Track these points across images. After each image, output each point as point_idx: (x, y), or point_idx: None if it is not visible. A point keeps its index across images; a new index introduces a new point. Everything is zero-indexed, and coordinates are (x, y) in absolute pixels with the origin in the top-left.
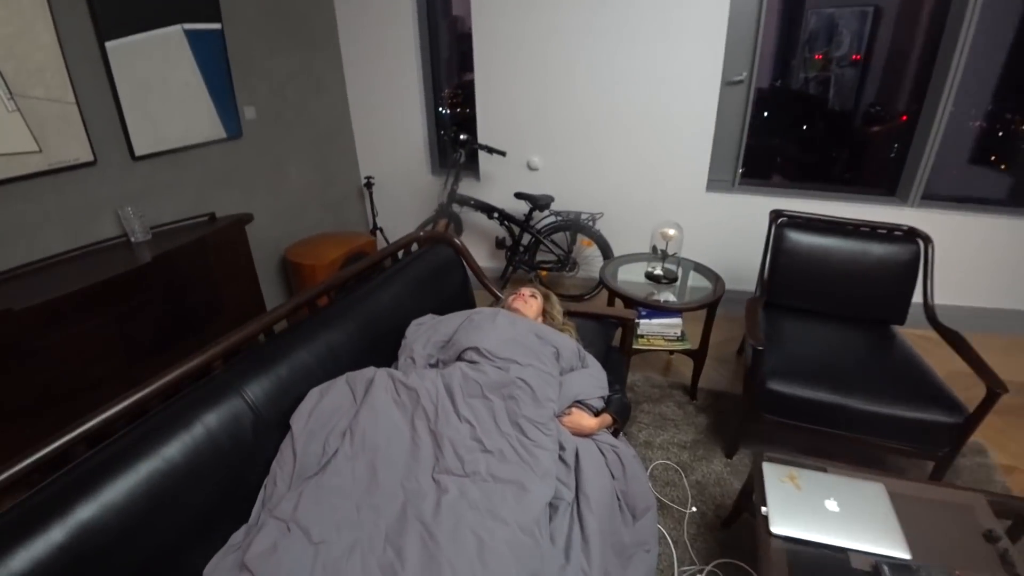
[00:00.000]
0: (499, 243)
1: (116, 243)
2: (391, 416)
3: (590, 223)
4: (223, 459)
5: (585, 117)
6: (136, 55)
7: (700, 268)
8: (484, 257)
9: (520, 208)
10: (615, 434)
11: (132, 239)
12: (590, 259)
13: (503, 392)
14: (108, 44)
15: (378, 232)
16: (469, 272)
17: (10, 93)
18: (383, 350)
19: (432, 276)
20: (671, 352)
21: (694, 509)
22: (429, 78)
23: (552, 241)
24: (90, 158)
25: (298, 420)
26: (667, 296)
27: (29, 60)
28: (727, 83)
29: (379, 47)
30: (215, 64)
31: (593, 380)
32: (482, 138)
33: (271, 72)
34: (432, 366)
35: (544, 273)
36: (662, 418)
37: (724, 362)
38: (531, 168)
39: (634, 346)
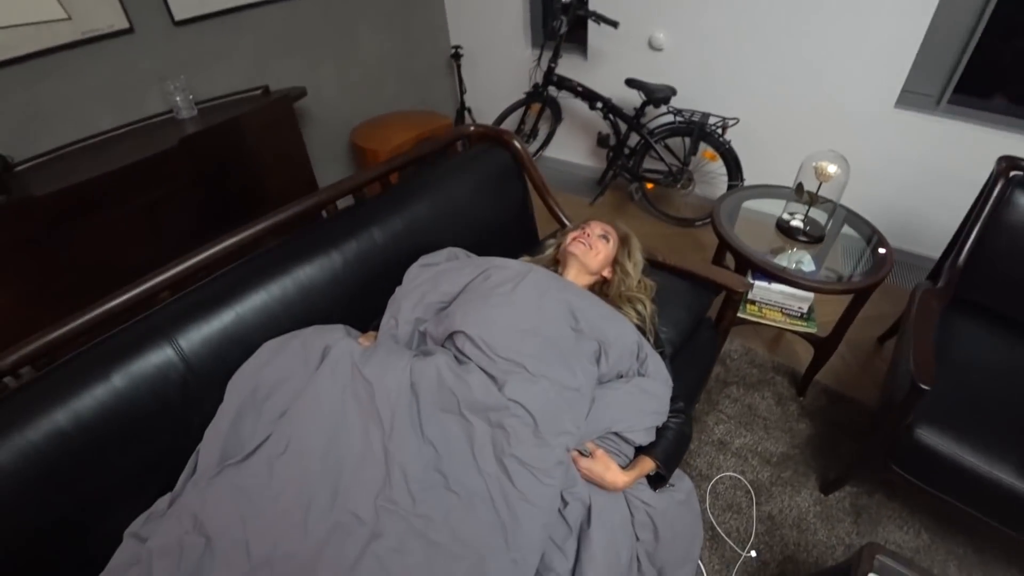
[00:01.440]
0: (601, 140)
1: (162, 120)
2: (338, 413)
3: (718, 130)
4: (147, 421)
5: None
6: None
7: (859, 223)
8: (582, 154)
9: (631, 99)
10: (656, 482)
11: (176, 116)
12: (711, 176)
13: (489, 417)
14: None
15: (466, 113)
16: (531, 188)
17: None
18: (387, 290)
19: (478, 189)
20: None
21: (753, 554)
22: None
23: (665, 146)
24: (125, 25)
25: (235, 385)
26: (801, 262)
27: None
28: None
29: None
30: None
31: (647, 401)
32: (594, 2)
33: None
34: (422, 338)
35: (650, 186)
36: (751, 412)
37: (856, 347)
38: (653, 47)
39: (739, 314)
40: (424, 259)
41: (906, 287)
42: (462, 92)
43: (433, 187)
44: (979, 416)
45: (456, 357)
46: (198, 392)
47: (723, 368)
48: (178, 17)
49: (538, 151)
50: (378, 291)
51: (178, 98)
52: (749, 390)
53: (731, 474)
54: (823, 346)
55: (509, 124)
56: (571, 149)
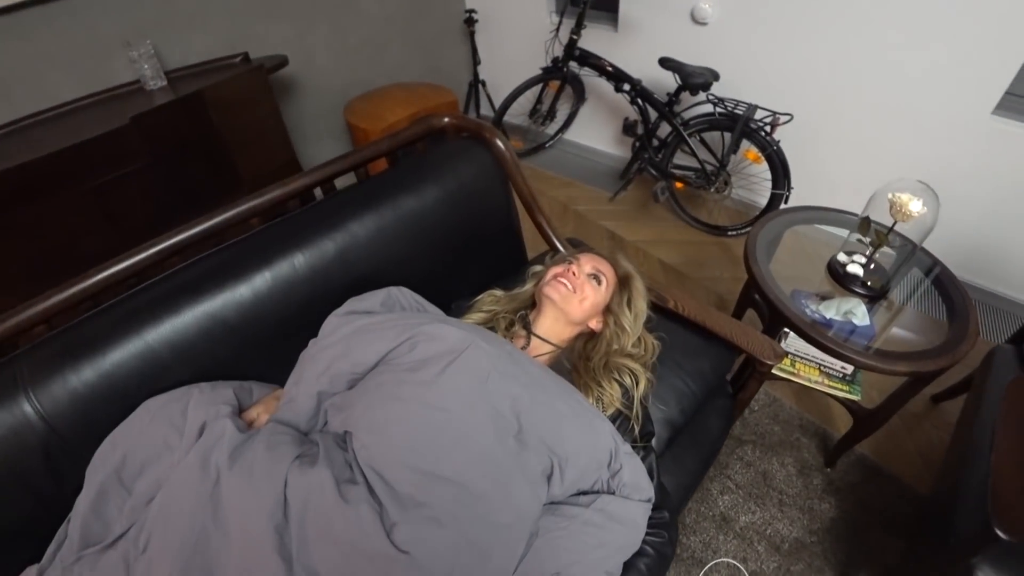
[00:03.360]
0: (627, 127)
1: (131, 91)
2: (205, 516)
3: (766, 127)
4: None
5: None
6: None
7: (934, 268)
8: (607, 140)
9: (666, 82)
10: None
11: (144, 86)
12: (752, 181)
13: (375, 565)
14: None
15: (479, 87)
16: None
17: None
18: (309, 335)
19: (447, 199)
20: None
21: None
22: None
23: (701, 141)
24: None
25: (101, 454)
26: (852, 314)
27: None
28: None
29: None
30: None
31: (613, 533)
32: None
33: None
34: (325, 416)
35: (680, 185)
36: (765, 482)
37: (904, 409)
38: (696, 21)
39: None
40: (351, 303)
41: (982, 336)
42: (476, 63)
43: (382, 197)
44: None
45: (350, 465)
46: (65, 459)
47: (739, 422)
48: None
49: (557, 134)
50: (296, 335)
51: (145, 66)
52: (767, 453)
53: (730, 561)
54: (867, 419)
55: (523, 102)
56: (594, 134)
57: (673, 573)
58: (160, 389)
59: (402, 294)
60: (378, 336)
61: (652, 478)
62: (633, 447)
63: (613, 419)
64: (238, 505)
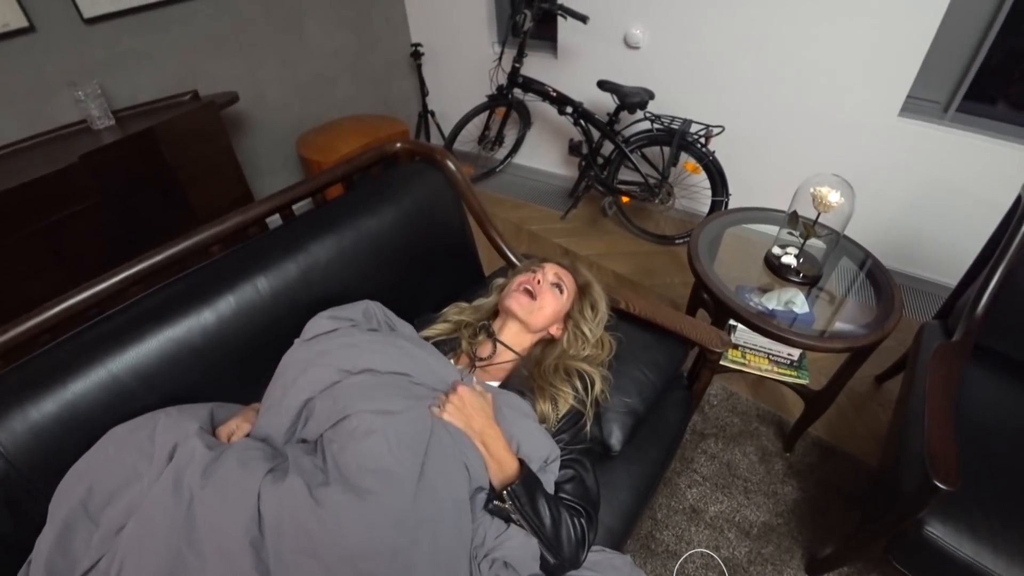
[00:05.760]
0: (572, 148)
1: (76, 131)
2: (180, 539)
3: (701, 139)
4: None
5: None
6: None
7: (860, 255)
8: (555, 162)
9: (605, 103)
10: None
11: (91, 126)
12: (693, 191)
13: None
14: None
15: (429, 117)
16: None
17: None
18: (274, 356)
19: (403, 219)
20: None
21: None
22: None
23: (642, 156)
24: (24, 23)
25: (65, 486)
26: (793, 303)
27: None
28: None
29: None
30: None
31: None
32: None
33: None
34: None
35: (626, 199)
36: (730, 472)
37: (851, 389)
38: (629, 45)
39: (721, 362)
40: (334, 311)
41: (909, 317)
42: (424, 95)
43: (342, 219)
44: (1007, 507)
45: (320, 469)
46: (25, 496)
47: (700, 418)
48: (87, 14)
49: (506, 158)
50: (261, 358)
51: (92, 106)
52: (729, 444)
53: (703, 550)
54: (815, 401)
55: (472, 129)
56: (543, 156)
57: (649, 568)
58: (125, 417)
59: (377, 308)
60: (359, 350)
61: (588, 493)
62: (567, 453)
63: (570, 419)
64: (213, 523)
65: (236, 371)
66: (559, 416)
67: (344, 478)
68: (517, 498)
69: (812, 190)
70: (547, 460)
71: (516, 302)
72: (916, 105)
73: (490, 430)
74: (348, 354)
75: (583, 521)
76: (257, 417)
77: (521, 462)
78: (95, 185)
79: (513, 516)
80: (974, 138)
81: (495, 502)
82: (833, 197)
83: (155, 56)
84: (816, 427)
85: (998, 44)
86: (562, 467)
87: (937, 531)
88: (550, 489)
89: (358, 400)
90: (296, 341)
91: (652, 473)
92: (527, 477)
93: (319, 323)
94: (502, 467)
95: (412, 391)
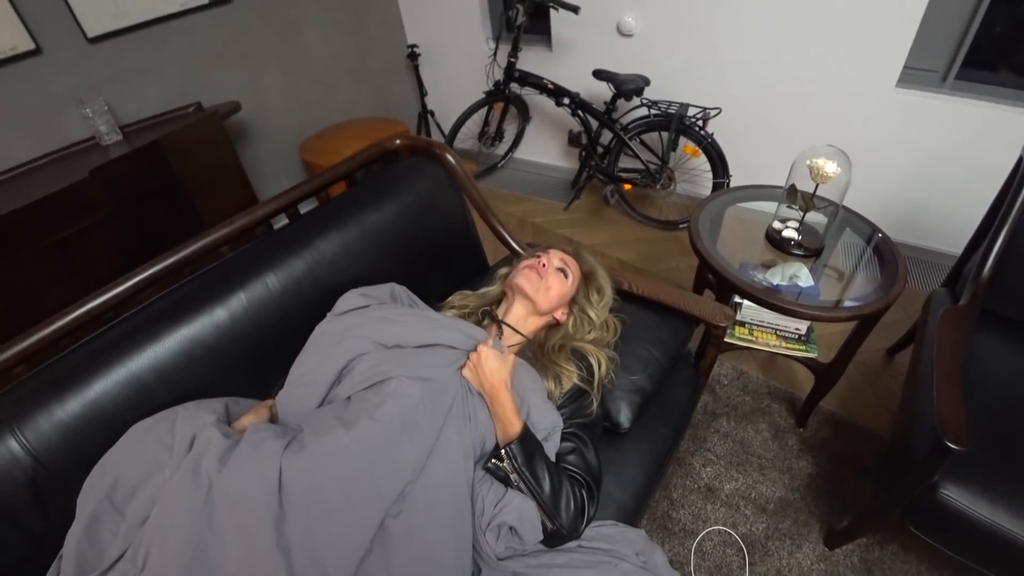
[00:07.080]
0: (572, 139)
1: (86, 147)
2: (201, 526)
3: (698, 123)
4: None
5: None
6: None
7: (864, 227)
8: (556, 154)
9: (601, 92)
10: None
11: (99, 142)
12: (694, 174)
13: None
14: None
15: (428, 117)
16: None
17: None
18: (286, 351)
19: (407, 213)
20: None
21: None
22: None
23: (641, 143)
24: (30, 46)
25: (91, 481)
26: (797, 276)
27: None
28: None
29: None
30: None
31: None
32: None
33: None
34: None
35: (628, 187)
36: (743, 450)
37: (862, 362)
38: (622, 33)
39: (727, 339)
40: (364, 289)
41: (917, 288)
42: (423, 95)
43: (345, 215)
44: (1020, 467)
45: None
46: (53, 492)
47: (711, 397)
48: (91, 34)
49: (507, 153)
50: (274, 352)
51: (99, 122)
52: (741, 422)
53: (720, 528)
54: (825, 373)
55: (472, 126)
56: (543, 150)
57: (668, 547)
58: (145, 413)
59: (402, 291)
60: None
61: (589, 467)
62: (568, 427)
63: (572, 396)
64: (232, 506)
65: (250, 365)
66: (563, 392)
67: (370, 413)
68: (514, 457)
69: (808, 162)
70: (550, 431)
71: (525, 278)
72: (913, 75)
73: (500, 393)
74: (382, 327)
75: (583, 492)
76: (275, 402)
77: (525, 426)
78: (106, 198)
79: (511, 476)
80: (973, 104)
81: (493, 460)
82: (829, 168)
83: (158, 70)
84: (829, 402)
85: (994, 9)
86: (563, 439)
87: (952, 494)
88: (553, 459)
89: (398, 366)
90: (328, 315)
91: (662, 450)
92: (525, 438)
93: (351, 299)
94: (505, 429)
95: (446, 357)
